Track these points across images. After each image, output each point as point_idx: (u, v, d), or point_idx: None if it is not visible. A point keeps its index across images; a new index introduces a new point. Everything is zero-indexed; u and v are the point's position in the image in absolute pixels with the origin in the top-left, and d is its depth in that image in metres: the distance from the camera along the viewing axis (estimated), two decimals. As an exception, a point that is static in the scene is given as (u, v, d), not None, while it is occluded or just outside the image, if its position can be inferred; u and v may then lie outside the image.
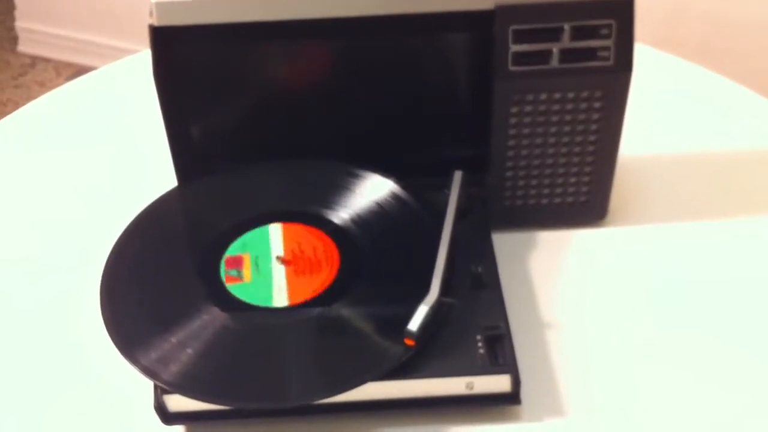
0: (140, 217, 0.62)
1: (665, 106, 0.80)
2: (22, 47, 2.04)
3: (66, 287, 0.63)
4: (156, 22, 0.57)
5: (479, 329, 0.54)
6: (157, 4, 0.56)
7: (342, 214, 0.61)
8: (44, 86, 1.92)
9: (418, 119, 0.65)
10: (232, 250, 0.59)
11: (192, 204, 0.64)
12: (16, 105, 1.81)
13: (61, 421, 0.55)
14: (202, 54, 0.60)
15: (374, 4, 0.57)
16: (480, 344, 0.53)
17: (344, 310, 0.55)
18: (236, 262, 0.59)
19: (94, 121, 0.81)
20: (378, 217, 0.61)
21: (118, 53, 1.78)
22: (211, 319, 0.55)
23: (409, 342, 0.52)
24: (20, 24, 2.03)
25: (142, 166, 0.74)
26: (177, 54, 0.59)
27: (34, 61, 2.01)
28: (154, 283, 0.58)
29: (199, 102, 0.63)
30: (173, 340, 0.54)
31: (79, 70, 1.90)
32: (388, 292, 0.56)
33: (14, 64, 2.01)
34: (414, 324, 0.52)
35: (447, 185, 0.63)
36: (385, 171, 0.64)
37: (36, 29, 1.99)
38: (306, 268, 0.58)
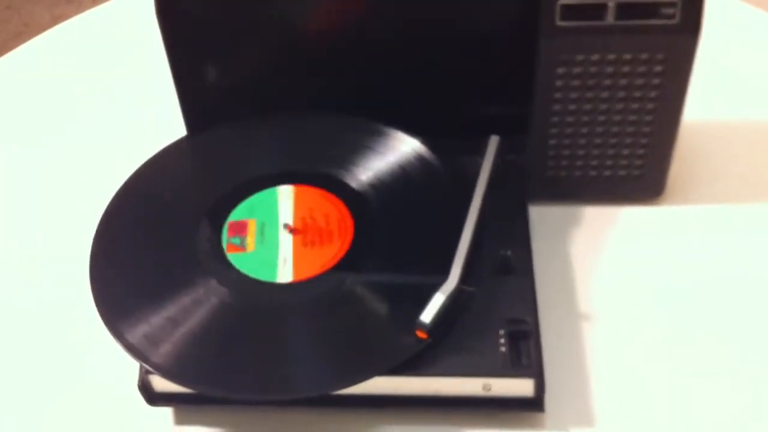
0: (139, 171, 0.57)
1: (738, 65, 0.71)
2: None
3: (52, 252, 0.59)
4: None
5: (503, 323, 0.48)
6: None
7: (360, 177, 0.55)
8: (96, 1, 1.87)
9: (451, 72, 0.58)
10: (237, 214, 0.54)
11: (195, 159, 0.59)
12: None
13: (38, 396, 0.51)
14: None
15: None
16: (502, 341, 0.47)
17: (352, 292, 0.49)
18: (240, 228, 0.53)
19: (98, 62, 0.76)
20: (400, 182, 0.55)
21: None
22: (206, 293, 0.50)
23: (422, 334, 0.46)
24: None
25: (149, 117, 0.68)
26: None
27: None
28: (148, 248, 0.53)
29: (209, 44, 0.57)
30: (164, 315, 0.49)
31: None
32: (404, 273, 0.50)
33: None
34: (427, 315, 0.46)
35: (481, 151, 0.56)
36: (412, 130, 0.57)
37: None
38: (316, 238, 0.52)
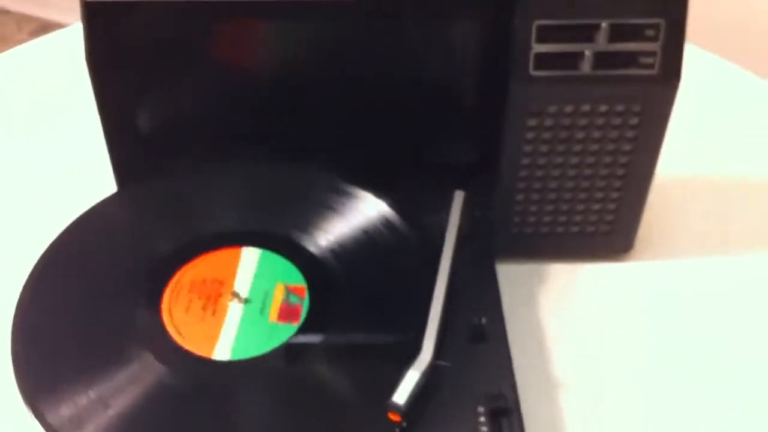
0: (71, 227, 0.51)
1: (707, 117, 0.69)
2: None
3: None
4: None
5: (481, 398, 0.43)
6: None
7: (319, 241, 0.50)
8: (4, 41, 1.78)
9: (414, 121, 0.54)
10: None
11: (132, 215, 0.53)
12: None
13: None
14: (148, 34, 0.49)
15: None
16: (482, 419, 0.43)
17: (311, 370, 0.44)
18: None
19: (54, 89, 0.69)
20: (364, 248, 0.50)
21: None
22: (141, 369, 0.44)
23: (395, 417, 0.41)
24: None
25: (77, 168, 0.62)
26: (118, 35, 0.48)
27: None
28: (79, 315, 0.47)
29: (144, 91, 0.51)
30: (91, 394, 0.42)
31: (44, 25, 1.76)
32: (370, 348, 0.45)
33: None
34: (401, 395, 0.42)
35: (445, 207, 0.52)
36: (376, 187, 0.53)
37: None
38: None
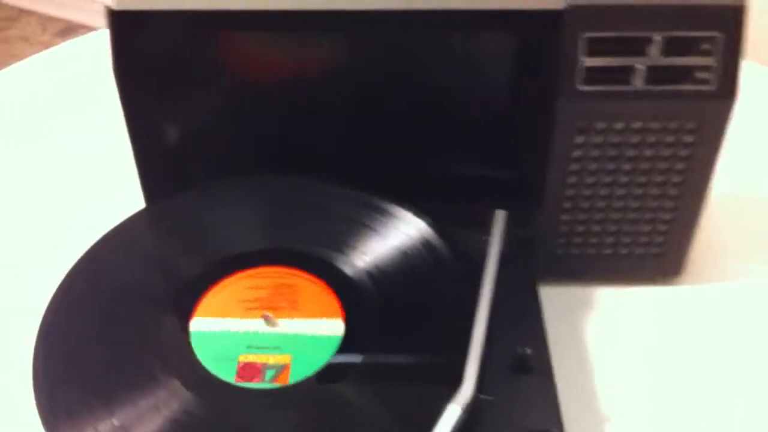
0: (97, 245, 0.49)
1: (763, 133, 0.66)
2: (6, -2, 1.89)
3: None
4: (116, 5, 0.43)
5: (525, 435, 0.41)
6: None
7: (356, 262, 0.48)
8: (28, 42, 1.77)
9: (451, 136, 0.52)
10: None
11: (160, 233, 0.51)
12: (-2, 63, 1.67)
13: None
14: (177, 45, 0.47)
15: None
16: (526, 457, 0.40)
17: (344, 395, 0.42)
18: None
19: (80, 94, 0.68)
20: (402, 271, 0.48)
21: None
22: (167, 397, 0.42)
23: (434, 454, 0.39)
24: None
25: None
26: (144, 45, 0.46)
27: (19, 13, 1.86)
28: (104, 338, 0.45)
29: (172, 103, 0.50)
30: (114, 422, 0.41)
31: (68, 27, 1.76)
32: (408, 379, 0.43)
33: (-3, 16, 1.86)
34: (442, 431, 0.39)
35: (485, 227, 0.49)
36: (416, 204, 0.50)
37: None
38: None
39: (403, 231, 0.49)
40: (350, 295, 0.46)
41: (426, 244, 0.49)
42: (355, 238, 0.49)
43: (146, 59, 0.47)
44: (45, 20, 1.83)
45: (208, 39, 0.47)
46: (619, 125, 0.46)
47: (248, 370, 0.42)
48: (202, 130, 0.51)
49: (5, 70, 0.72)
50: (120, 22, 0.44)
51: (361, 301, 0.46)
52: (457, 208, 0.51)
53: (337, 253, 0.48)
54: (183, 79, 0.49)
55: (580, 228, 0.51)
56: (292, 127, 0.51)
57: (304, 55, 0.49)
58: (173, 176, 0.52)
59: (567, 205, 0.50)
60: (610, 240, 0.51)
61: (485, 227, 0.49)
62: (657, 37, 0.43)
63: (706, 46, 0.44)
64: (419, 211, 0.50)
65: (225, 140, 0.52)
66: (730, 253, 0.55)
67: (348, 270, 0.47)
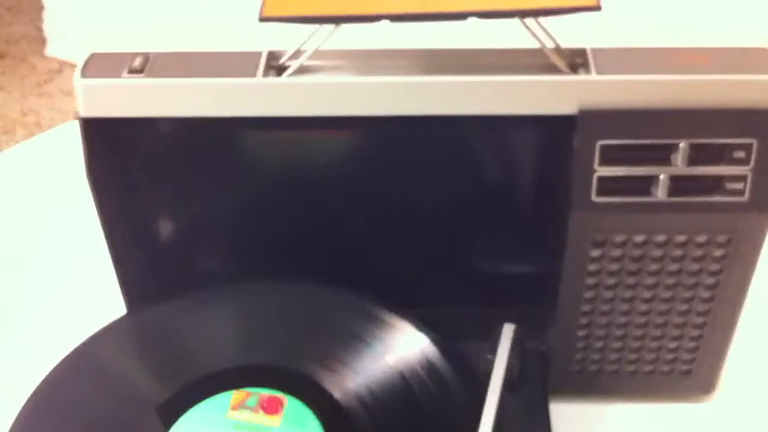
0: (70, 358, 0.45)
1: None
2: (51, 50, 1.88)
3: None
4: (84, 112, 0.39)
5: None
6: (86, 88, 0.39)
7: (345, 383, 0.43)
8: (70, 95, 1.77)
9: (458, 241, 0.47)
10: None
11: (137, 345, 0.47)
12: (38, 115, 1.66)
13: None
14: (151, 147, 0.43)
15: (402, 102, 0.38)
16: None
17: None
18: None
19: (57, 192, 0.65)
20: (398, 397, 0.43)
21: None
22: None
23: None
24: (50, 24, 1.87)
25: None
26: (118, 149, 0.42)
27: (62, 66, 1.85)
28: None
29: (151, 205, 0.46)
30: None
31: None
32: None
33: (40, 69, 1.86)
34: None
35: (491, 341, 0.44)
36: (422, 312, 0.46)
37: (68, 30, 1.82)
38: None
39: (402, 347, 0.45)
40: (338, 422, 0.41)
41: (427, 366, 0.44)
42: (348, 353, 0.44)
43: (122, 165, 0.43)
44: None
45: (188, 140, 0.43)
46: (639, 238, 0.41)
47: None
48: (188, 233, 0.47)
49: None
50: (92, 129, 0.40)
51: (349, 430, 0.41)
52: (470, 314, 0.46)
53: (327, 371, 0.43)
54: (162, 182, 0.45)
55: (598, 344, 0.46)
56: (279, 229, 0.47)
57: (300, 154, 0.45)
58: (156, 281, 0.47)
59: (583, 320, 0.44)
60: (632, 357, 0.46)
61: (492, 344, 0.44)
62: (682, 144, 0.38)
63: (739, 154, 0.39)
64: (422, 324, 0.45)
65: (215, 241, 0.48)
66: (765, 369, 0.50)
67: (337, 393, 0.43)
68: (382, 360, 0.44)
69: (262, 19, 0.36)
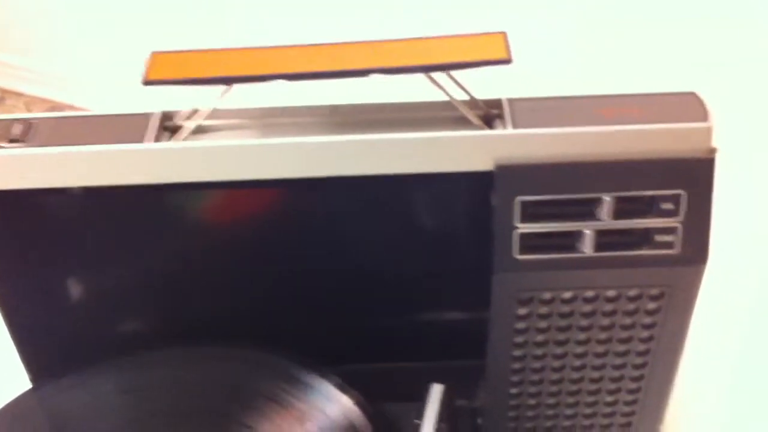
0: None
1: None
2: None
3: None
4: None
5: None
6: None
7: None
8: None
9: (384, 295, 0.45)
10: None
11: (42, 421, 0.44)
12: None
13: None
14: (47, 222, 0.40)
15: (308, 163, 0.35)
16: None
17: None
18: None
19: None
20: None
21: (95, 89, 1.59)
22: None
23: None
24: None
25: None
26: (11, 226, 0.39)
27: (4, 94, 1.81)
28: None
29: (55, 274, 0.43)
30: None
31: (53, 107, 1.71)
32: None
33: None
34: None
35: (419, 402, 0.42)
36: (342, 373, 0.43)
37: (7, 61, 1.77)
38: None
39: (323, 410, 0.42)
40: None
41: (351, 430, 0.42)
42: (263, 419, 0.41)
43: (16, 242, 0.40)
44: (30, 101, 1.77)
45: (97, 211, 0.40)
46: (567, 295, 0.39)
47: None
48: (94, 300, 0.44)
49: None
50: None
51: None
52: (402, 369, 0.44)
53: None
54: (63, 251, 0.42)
55: (532, 401, 0.43)
56: (200, 290, 0.44)
57: (212, 213, 0.42)
58: (61, 355, 0.44)
59: (515, 378, 0.42)
60: (568, 412, 0.44)
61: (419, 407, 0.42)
62: (607, 198, 0.36)
63: (667, 206, 0.37)
64: (345, 384, 0.43)
65: (122, 308, 0.45)
66: (713, 414, 0.48)
67: None
68: (302, 425, 0.41)
69: (147, 83, 0.33)
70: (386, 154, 0.35)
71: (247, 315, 0.44)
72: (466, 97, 0.37)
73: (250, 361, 0.42)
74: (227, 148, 0.34)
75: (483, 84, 0.37)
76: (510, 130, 0.35)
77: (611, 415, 0.44)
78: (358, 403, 0.42)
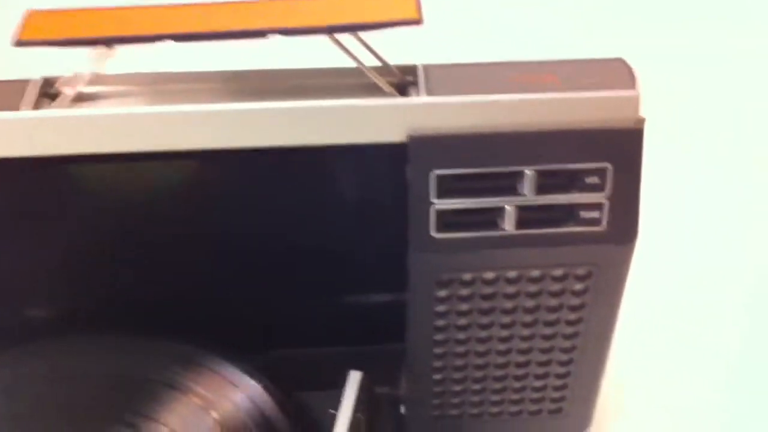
0: None
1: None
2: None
3: None
4: None
5: None
6: None
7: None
8: None
9: (303, 275, 0.42)
10: None
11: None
12: None
13: None
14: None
15: (203, 134, 0.33)
16: None
17: None
18: None
19: None
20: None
21: None
22: None
23: None
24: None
25: None
26: None
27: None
28: None
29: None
30: None
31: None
32: None
33: None
34: None
35: (337, 390, 0.39)
36: (243, 358, 0.40)
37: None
38: None
39: (228, 398, 0.39)
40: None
41: (260, 420, 0.39)
42: (157, 408, 0.38)
43: None
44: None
45: None
46: (489, 275, 0.36)
47: None
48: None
49: None
50: None
51: None
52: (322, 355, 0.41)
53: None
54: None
55: (457, 387, 0.41)
56: (99, 272, 0.41)
57: (108, 187, 0.39)
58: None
59: (437, 363, 0.40)
60: (495, 398, 0.42)
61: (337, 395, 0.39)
62: (528, 172, 0.34)
63: (592, 180, 0.34)
64: (255, 371, 0.40)
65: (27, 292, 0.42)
66: (649, 400, 0.46)
67: None
68: (210, 419, 0.38)
69: (18, 44, 0.30)
70: (289, 124, 0.32)
71: (150, 301, 0.41)
72: (379, 64, 0.34)
73: (141, 349, 0.39)
74: (110, 116, 0.31)
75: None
76: (423, 98, 0.33)
77: (540, 400, 0.42)
78: (266, 389, 0.39)
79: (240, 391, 0.39)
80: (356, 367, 0.40)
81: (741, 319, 0.51)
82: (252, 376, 0.40)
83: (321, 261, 0.42)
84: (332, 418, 0.38)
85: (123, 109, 0.32)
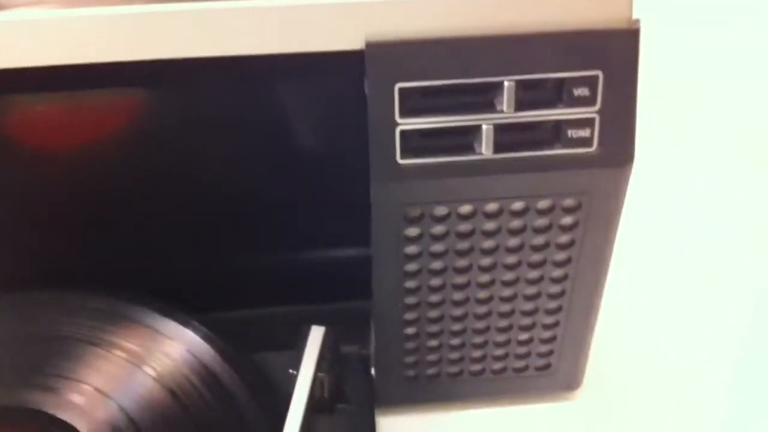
0: None
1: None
2: None
3: None
4: None
5: None
6: None
7: (94, 411, 0.32)
8: None
9: (260, 226, 0.37)
10: None
11: None
12: None
13: None
14: None
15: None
16: None
17: None
18: None
19: None
20: (170, 422, 0.32)
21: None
22: None
23: None
24: None
25: None
26: None
27: None
28: None
29: None
30: None
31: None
32: None
33: None
34: None
35: (297, 355, 0.35)
36: (186, 305, 0.36)
37: None
38: None
39: (172, 357, 0.34)
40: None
41: (210, 381, 0.34)
42: (93, 371, 0.33)
43: None
44: None
45: None
46: (465, 209, 0.32)
47: None
48: None
49: None
50: None
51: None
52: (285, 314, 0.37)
53: (63, 398, 0.32)
54: None
55: (433, 342, 0.36)
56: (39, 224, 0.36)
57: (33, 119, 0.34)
58: None
59: (410, 316, 0.35)
60: (476, 354, 0.37)
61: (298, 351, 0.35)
62: (507, 83, 0.29)
63: (581, 91, 0.30)
64: (205, 328, 0.35)
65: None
66: (636, 360, 0.41)
67: (82, 425, 0.32)
68: (144, 375, 0.33)
69: None
70: (228, 28, 0.27)
71: (91, 257, 0.36)
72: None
73: (52, 304, 0.34)
74: (36, 22, 0.26)
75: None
76: (382, -5, 0.28)
77: (527, 355, 0.37)
78: (207, 339, 0.35)
79: (177, 343, 0.34)
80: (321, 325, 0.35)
81: (741, 296, 0.47)
82: (189, 326, 0.35)
83: (279, 214, 0.37)
84: (292, 379, 0.34)
85: (28, 15, 0.27)
